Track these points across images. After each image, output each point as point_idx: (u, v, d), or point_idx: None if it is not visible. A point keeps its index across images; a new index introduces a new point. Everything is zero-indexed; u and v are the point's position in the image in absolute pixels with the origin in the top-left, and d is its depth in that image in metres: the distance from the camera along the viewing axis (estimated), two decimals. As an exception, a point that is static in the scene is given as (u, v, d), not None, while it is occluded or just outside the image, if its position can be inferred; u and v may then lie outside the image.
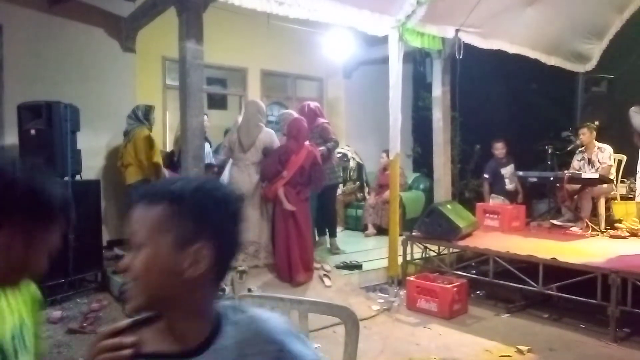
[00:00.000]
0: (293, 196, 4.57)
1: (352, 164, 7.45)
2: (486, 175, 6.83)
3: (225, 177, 5.23)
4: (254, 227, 4.75)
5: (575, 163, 5.99)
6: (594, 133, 5.85)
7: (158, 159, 5.73)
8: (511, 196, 6.66)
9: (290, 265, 4.50)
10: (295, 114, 5.47)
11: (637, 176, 5.79)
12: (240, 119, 5.74)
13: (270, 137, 4.85)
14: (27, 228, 0.97)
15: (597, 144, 5.85)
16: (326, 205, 5.54)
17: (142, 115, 5.62)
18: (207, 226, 0.86)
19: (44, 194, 0.97)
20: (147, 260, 0.84)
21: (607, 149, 5.80)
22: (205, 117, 5.25)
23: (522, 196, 6.64)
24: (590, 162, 5.84)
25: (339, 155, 6.70)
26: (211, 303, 0.91)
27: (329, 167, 5.40)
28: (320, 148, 5.08)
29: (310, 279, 4.60)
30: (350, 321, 1.63)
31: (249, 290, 4.23)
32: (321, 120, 5.53)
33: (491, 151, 6.95)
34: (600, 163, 5.74)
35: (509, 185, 6.73)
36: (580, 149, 5.96)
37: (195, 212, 0.85)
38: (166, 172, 5.74)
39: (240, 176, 4.77)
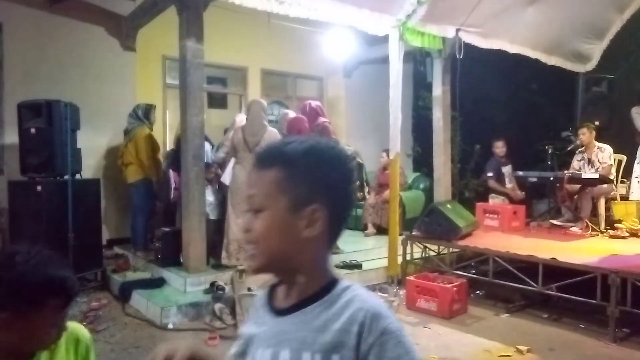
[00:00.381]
0: None
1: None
2: (490, 174, 6.80)
3: (227, 175, 5.24)
4: None
5: (575, 163, 5.99)
6: (594, 133, 5.84)
7: (159, 157, 5.74)
8: (510, 196, 6.65)
9: None
10: (293, 114, 5.49)
11: (633, 176, 5.78)
12: (238, 118, 5.76)
13: (275, 137, 4.88)
14: (20, 313, 1.14)
15: (597, 144, 5.84)
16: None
17: (143, 115, 5.62)
18: (320, 187, 0.87)
19: (27, 284, 1.14)
20: (265, 224, 0.87)
21: (607, 149, 5.79)
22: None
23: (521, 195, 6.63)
24: (590, 162, 5.83)
25: (339, 154, 6.69)
26: (327, 264, 0.92)
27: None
28: None
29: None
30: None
31: (249, 289, 4.23)
32: (322, 119, 5.53)
33: (491, 150, 6.95)
34: (601, 163, 5.74)
35: (509, 185, 6.73)
36: (580, 149, 5.95)
37: (308, 173, 0.87)
38: (170, 173, 5.75)
39: (244, 175, 4.79)
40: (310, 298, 0.88)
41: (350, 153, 7.17)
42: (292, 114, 5.65)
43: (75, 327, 1.37)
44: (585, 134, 5.81)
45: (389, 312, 0.85)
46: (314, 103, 5.67)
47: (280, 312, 0.91)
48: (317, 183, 0.87)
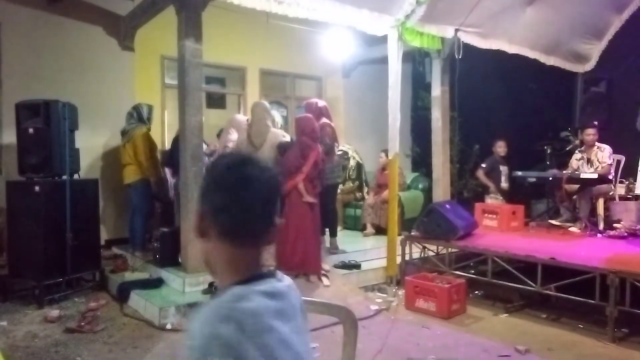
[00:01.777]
0: (310, 190, 4.68)
1: (352, 162, 7.43)
2: (483, 165, 6.81)
3: None
4: None
5: (573, 162, 5.98)
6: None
7: (157, 157, 5.73)
8: (505, 195, 6.66)
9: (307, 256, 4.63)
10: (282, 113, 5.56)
11: (639, 177, 5.71)
12: (235, 120, 5.77)
13: (277, 137, 4.96)
14: None
15: (597, 143, 5.83)
16: (327, 205, 5.52)
17: (141, 115, 5.60)
18: (202, 194, 1.00)
19: None
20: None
21: (607, 148, 5.79)
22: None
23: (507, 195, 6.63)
24: (589, 161, 5.83)
25: (339, 153, 6.67)
26: (234, 268, 0.97)
27: (329, 167, 5.38)
28: None
29: (318, 271, 4.69)
30: (349, 321, 1.62)
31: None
32: (323, 120, 5.50)
33: (491, 149, 6.95)
34: (600, 163, 5.73)
35: (504, 184, 6.74)
36: (580, 149, 5.94)
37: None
38: (167, 172, 5.74)
39: None
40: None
41: (343, 152, 7.16)
42: (276, 114, 5.68)
43: None
44: (591, 135, 5.78)
45: (203, 335, 0.84)
46: (321, 103, 5.61)
47: None
48: (200, 191, 1.01)
